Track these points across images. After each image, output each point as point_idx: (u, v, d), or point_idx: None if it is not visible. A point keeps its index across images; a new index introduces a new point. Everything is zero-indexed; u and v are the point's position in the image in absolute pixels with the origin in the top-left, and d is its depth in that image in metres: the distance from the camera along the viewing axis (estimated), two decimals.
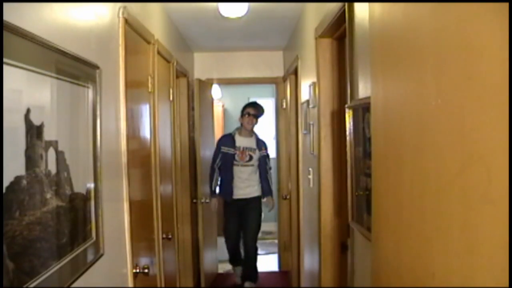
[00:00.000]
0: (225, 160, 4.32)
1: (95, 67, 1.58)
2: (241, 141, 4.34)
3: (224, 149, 4.32)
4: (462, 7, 0.72)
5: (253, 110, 4.34)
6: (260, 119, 4.51)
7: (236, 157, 4.28)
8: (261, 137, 4.57)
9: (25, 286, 1.05)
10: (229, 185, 4.31)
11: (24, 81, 1.08)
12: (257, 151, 4.36)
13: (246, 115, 4.32)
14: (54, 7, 1.31)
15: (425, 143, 0.88)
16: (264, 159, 4.41)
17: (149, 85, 2.55)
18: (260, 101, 7.46)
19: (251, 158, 4.32)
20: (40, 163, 1.15)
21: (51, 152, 1.22)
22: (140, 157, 2.42)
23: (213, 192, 4.39)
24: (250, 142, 4.37)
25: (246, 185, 4.33)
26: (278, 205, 5.13)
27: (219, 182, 4.40)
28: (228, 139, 4.38)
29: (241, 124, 4.38)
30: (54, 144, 1.24)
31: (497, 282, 0.62)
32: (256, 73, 4.98)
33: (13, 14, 1.02)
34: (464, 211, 0.72)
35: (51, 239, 1.22)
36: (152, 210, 2.56)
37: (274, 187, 4.77)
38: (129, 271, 1.99)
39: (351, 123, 1.87)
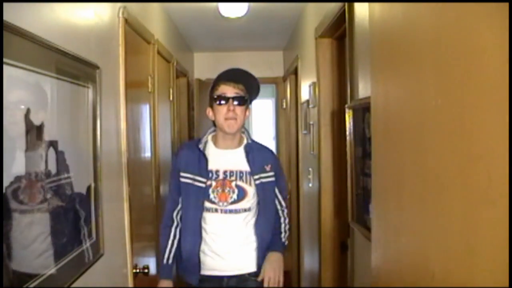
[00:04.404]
0: (186, 198, 1.96)
1: (95, 67, 1.58)
2: (219, 159, 1.96)
3: (185, 176, 1.94)
4: (462, 7, 0.72)
5: (233, 88, 1.92)
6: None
7: (211, 195, 1.92)
8: (259, 140, 2.14)
9: (25, 286, 1.05)
10: (192, 251, 1.95)
11: (24, 81, 1.08)
12: (250, 178, 1.95)
13: (222, 102, 1.91)
14: (54, 7, 1.31)
15: (425, 143, 0.88)
16: (269, 189, 2.00)
17: (149, 85, 2.55)
18: (260, 101, 7.48)
19: (242, 194, 1.93)
20: (40, 163, 1.15)
21: (51, 152, 1.22)
22: (140, 157, 2.42)
23: (166, 266, 1.99)
24: (237, 159, 1.97)
25: (232, 249, 1.95)
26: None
27: (175, 245, 2.00)
28: (192, 155, 1.97)
29: (214, 123, 1.98)
30: (54, 144, 1.24)
31: (497, 282, 0.62)
32: (256, 73, 4.93)
33: (13, 14, 1.02)
34: (464, 211, 0.72)
35: (51, 239, 1.22)
36: (152, 210, 2.56)
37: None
38: (129, 271, 1.99)
39: (351, 123, 1.87)
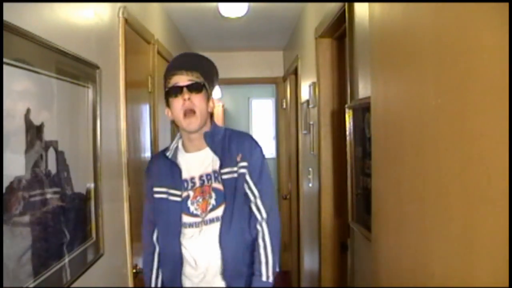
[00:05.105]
0: (161, 215, 1.67)
1: (95, 67, 1.58)
2: (192, 164, 1.64)
3: (159, 191, 1.66)
4: (462, 7, 0.72)
5: (186, 76, 1.59)
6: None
7: (191, 208, 1.61)
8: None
9: (25, 286, 1.05)
10: (172, 278, 1.65)
11: (24, 81, 1.08)
12: (228, 170, 1.60)
13: (176, 94, 1.58)
14: (54, 7, 1.31)
15: (425, 143, 0.88)
16: (239, 187, 1.59)
17: (149, 85, 2.55)
18: (260, 101, 7.47)
19: (221, 198, 1.59)
20: (40, 163, 1.15)
21: (51, 152, 1.22)
22: (140, 157, 2.42)
23: None
24: (211, 158, 1.62)
25: (216, 265, 1.60)
26: (278, 205, 5.13)
27: (160, 274, 1.71)
28: (164, 166, 1.68)
29: (176, 125, 1.70)
30: (54, 144, 1.24)
31: (497, 282, 0.62)
32: (256, 73, 4.97)
33: (13, 14, 1.02)
34: (464, 211, 0.72)
35: (51, 239, 1.22)
36: None
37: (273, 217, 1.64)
38: (129, 271, 1.99)
39: (351, 123, 1.87)
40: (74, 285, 1.35)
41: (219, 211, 1.57)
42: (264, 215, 1.59)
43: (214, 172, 1.60)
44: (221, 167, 1.58)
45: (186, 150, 1.66)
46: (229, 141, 1.63)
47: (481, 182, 0.66)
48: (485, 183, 0.65)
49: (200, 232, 1.58)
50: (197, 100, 1.56)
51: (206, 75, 1.63)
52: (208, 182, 1.60)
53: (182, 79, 1.58)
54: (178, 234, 1.60)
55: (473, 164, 0.69)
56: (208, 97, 1.63)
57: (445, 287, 0.79)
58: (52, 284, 1.19)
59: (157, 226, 1.66)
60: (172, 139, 1.65)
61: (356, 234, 1.88)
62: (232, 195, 1.57)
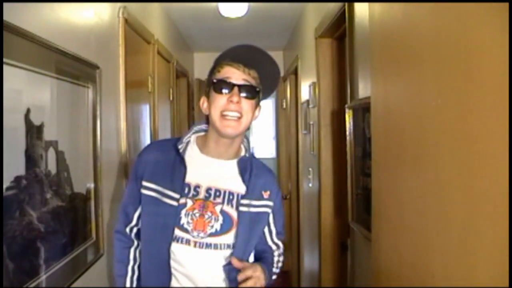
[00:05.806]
0: (149, 219, 1.33)
1: (95, 67, 1.58)
2: (203, 170, 1.34)
3: (150, 188, 1.31)
4: (462, 7, 0.72)
5: (242, 73, 1.27)
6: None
7: (183, 219, 1.29)
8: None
9: (25, 286, 1.05)
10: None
11: (24, 81, 1.08)
12: (247, 202, 1.35)
13: (224, 90, 1.26)
14: (54, 7, 1.31)
15: (425, 143, 0.88)
16: (259, 222, 1.41)
17: (149, 85, 2.55)
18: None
19: (228, 225, 1.32)
20: (40, 163, 1.15)
21: (51, 152, 1.22)
22: None
23: None
24: (229, 175, 1.36)
25: None
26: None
27: (136, 271, 1.38)
28: (164, 160, 1.34)
29: (207, 120, 1.34)
30: (54, 144, 1.24)
31: (497, 282, 0.62)
32: None
33: (13, 14, 1.02)
34: (464, 211, 0.72)
35: (51, 239, 1.22)
36: None
37: None
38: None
39: (351, 123, 1.87)
40: (74, 285, 1.35)
41: (226, 238, 1.32)
42: (282, 248, 1.51)
43: (230, 194, 1.34)
44: (244, 195, 1.35)
45: (203, 151, 1.36)
46: (255, 172, 1.39)
47: (481, 182, 0.66)
48: (485, 183, 0.65)
49: (192, 255, 1.30)
50: (247, 105, 1.28)
51: (265, 79, 1.34)
52: (214, 198, 1.32)
53: (236, 75, 1.28)
54: (168, 245, 1.29)
55: (473, 164, 0.69)
56: (258, 105, 1.34)
57: (445, 287, 0.79)
58: (52, 283, 1.19)
59: (143, 230, 1.35)
60: None
61: (356, 234, 1.88)
62: (248, 228, 1.36)
